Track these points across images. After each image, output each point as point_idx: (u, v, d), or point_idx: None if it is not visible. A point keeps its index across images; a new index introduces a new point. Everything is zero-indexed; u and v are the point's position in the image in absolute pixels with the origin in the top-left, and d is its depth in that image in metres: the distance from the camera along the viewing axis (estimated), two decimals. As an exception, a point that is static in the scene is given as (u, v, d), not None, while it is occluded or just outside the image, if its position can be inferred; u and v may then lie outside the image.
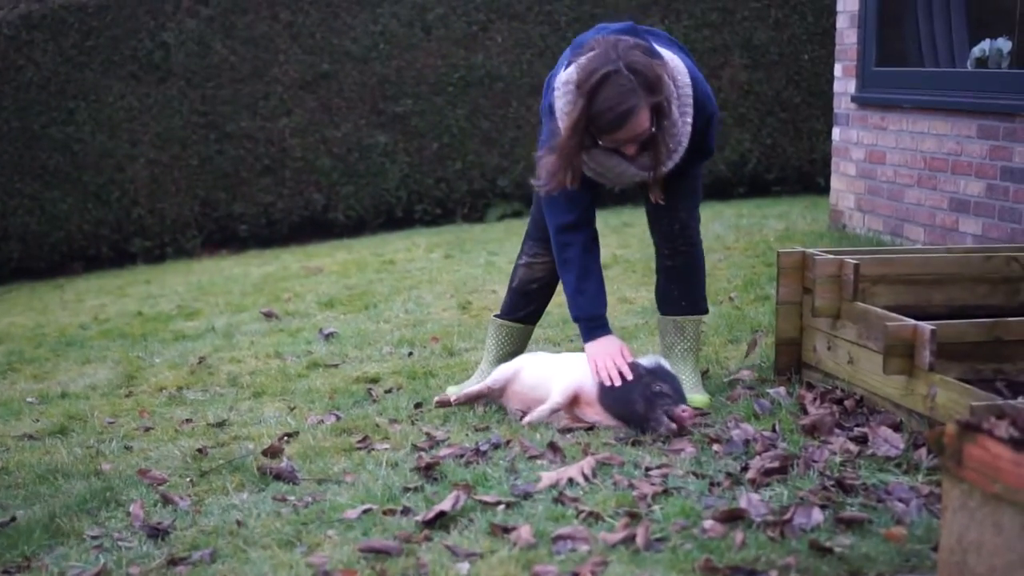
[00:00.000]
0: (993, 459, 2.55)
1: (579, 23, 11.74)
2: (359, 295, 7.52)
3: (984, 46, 7.11)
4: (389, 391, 5.15)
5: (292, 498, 3.73)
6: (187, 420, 4.99)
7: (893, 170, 7.54)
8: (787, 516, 3.22)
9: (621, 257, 7.72)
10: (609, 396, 4.27)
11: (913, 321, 3.99)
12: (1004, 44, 6.99)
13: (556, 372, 4.47)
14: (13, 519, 3.88)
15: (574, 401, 4.37)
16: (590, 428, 4.25)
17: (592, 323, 4.45)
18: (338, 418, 4.71)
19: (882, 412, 4.14)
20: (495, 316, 5.00)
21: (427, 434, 4.31)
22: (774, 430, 4.03)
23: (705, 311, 4.76)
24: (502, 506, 3.44)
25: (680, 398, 4.18)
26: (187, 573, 3.29)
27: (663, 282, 4.72)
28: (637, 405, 4.17)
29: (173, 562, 3.35)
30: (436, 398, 4.76)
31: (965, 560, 2.61)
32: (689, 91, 4.23)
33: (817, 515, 3.24)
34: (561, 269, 4.50)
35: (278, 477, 3.94)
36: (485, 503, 3.46)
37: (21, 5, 10.94)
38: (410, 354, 5.84)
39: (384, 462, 3.98)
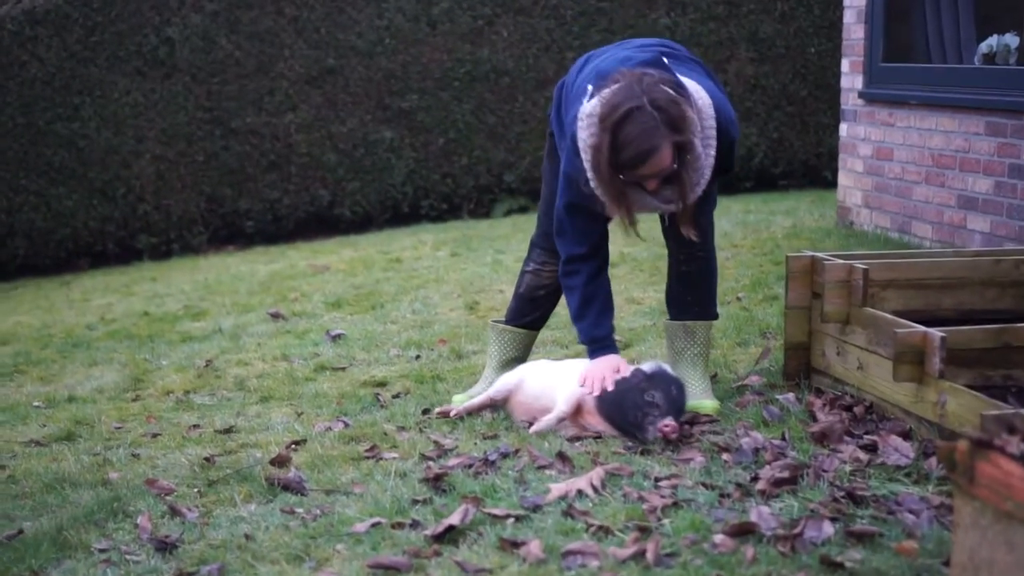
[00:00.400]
0: (1005, 477, 2.53)
1: (585, 17, 11.73)
2: (366, 295, 7.50)
3: (992, 42, 7.08)
4: (397, 396, 5.14)
5: (300, 510, 3.71)
6: (194, 426, 4.98)
7: (901, 167, 7.52)
8: (798, 530, 3.20)
9: (628, 255, 7.69)
10: (605, 404, 4.26)
11: (923, 328, 3.97)
12: (1012, 40, 6.97)
13: (560, 381, 4.45)
14: (20, 532, 3.87)
15: (578, 410, 4.36)
16: (598, 437, 4.23)
17: (595, 344, 4.48)
18: (346, 425, 4.70)
19: (892, 419, 4.12)
20: (497, 322, 4.99)
21: (435, 442, 4.29)
22: (783, 438, 4.01)
23: (716, 316, 4.74)
24: (511, 519, 3.43)
25: (672, 407, 4.13)
26: (196, 588, 3.29)
27: (675, 286, 4.69)
28: (628, 414, 4.16)
29: (182, 577, 3.35)
30: (438, 410, 4.74)
31: (977, 579, 2.60)
32: (713, 123, 4.20)
33: (828, 528, 3.22)
34: (567, 292, 4.53)
35: (286, 488, 3.92)
36: (495, 516, 3.44)
37: (25, 0, 10.93)
38: (417, 357, 5.83)
39: (393, 472, 3.96)
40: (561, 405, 4.36)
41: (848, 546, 3.16)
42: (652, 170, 4.09)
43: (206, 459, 4.37)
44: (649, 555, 3.11)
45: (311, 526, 3.57)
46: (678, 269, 4.67)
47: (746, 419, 4.27)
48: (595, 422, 4.30)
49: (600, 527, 3.33)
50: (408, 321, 6.68)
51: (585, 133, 4.14)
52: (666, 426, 4.05)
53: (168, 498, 3.99)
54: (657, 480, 3.70)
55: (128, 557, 3.54)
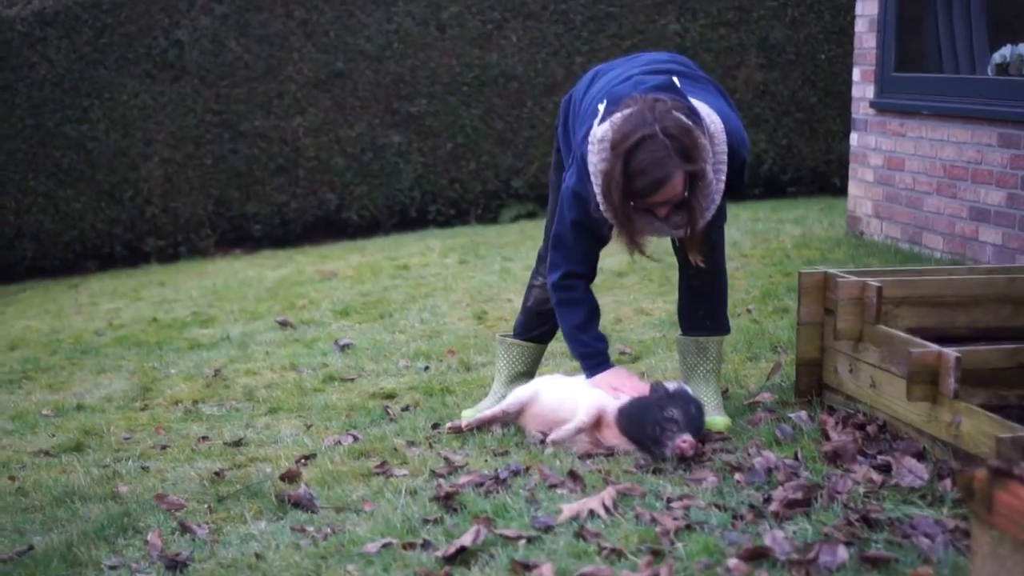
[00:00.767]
0: (1025, 506, 2.51)
1: (594, 22, 11.70)
2: (374, 303, 7.48)
3: (1005, 52, 7.06)
4: (406, 409, 5.13)
5: (311, 528, 3.69)
6: (203, 438, 4.96)
7: (912, 177, 7.49)
8: (812, 555, 3.17)
9: (638, 265, 7.65)
10: (625, 418, 4.25)
11: (937, 347, 3.94)
12: (1025, 50, 6.95)
13: (580, 392, 4.44)
14: (31, 548, 3.85)
15: (596, 423, 4.33)
16: (610, 454, 4.21)
17: (598, 358, 4.49)
18: (355, 439, 4.68)
19: (905, 439, 4.09)
20: (505, 336, 4.97)
21: (446, 459, 4.27)
22: (796, 458, 3.99)
23: (727, 330, 4.72)
24: (523, 541, 3.40)
25: (690, 425, 4.12)
26: (206, 608, 3.27)
27: (687, 301, 4.67)
28: (647, 428, 4.15)
29: (192, 596, 3.34)
30: (448, 425, 4.72)
31: (996, 611, 2.57)
32: (724, 147, 4.18)
33: (842, 553, 3.19)
34: (566, 305, 4.49)
35: (296, 505, 3.91)
36: (506, 537, 3.42)
37: (35, 2, 10.94)
38: (426, 368, 5.82)
39: (403, 490, 3.94)
40: (582, 415, 4.33)
41: (863, 572, 3.13)
42: (663, 198, 4.08)
43: (216, 473, 4.36)
44: (663, 580, 3.09)
45: (322, 545, 3.55)
46: (688, 284, 4.65)
47: (758, 437, 4.25)
48: (612, 436, 4.28)
49: (613, 550, 3.30)
50: (416, 331, 6.66)
51: (596, 158, 4.12)
52: (684, 442, 4.03)
53: (178, 514, 3.98)
54: (669, 501, 3.68)
55: (138, 575, 3.52)
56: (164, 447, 4.89)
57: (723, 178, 4.22)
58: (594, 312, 4.50)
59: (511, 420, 4.62)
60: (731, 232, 8.76)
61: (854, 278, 4.44)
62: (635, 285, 7.23)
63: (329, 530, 3.67)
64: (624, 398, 4.30)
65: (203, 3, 11.18)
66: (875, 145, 7.91)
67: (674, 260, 4.68)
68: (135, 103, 11.14)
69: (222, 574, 3.43)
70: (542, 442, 4.37)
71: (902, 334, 4.15)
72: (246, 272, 9.68)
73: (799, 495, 3.63)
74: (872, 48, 7.90)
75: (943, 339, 4.23)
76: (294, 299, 7.96)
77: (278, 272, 9.40)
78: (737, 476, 3.88)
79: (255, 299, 8.17)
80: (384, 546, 3.46)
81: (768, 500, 3.63)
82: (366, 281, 8.41)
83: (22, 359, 7.04)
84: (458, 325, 6.72)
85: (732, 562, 3.17)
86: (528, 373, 4.92)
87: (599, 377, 4.46)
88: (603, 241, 4.42)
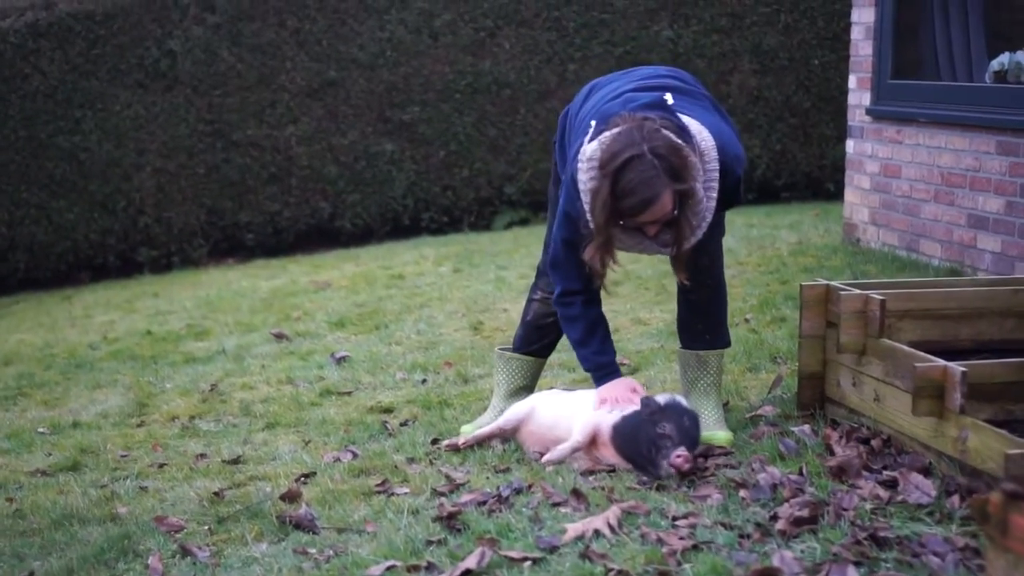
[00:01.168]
0: (1040, 530, 2.49)
1: (587, 29, 11.67)
2: (369, 314, 7.45)
3: (1003, 59, 7.03)
4: (404, 424, 5.09)
5: (313, 551, 3.65)
6: (201, 455, 4.92)
7: (909, 184, 7.46)
8: (822, 575, 3.14)
9: (633, 273, 7.64)
10: (619, 436, 4.21)
11: (943, 362, 3.91)
12: (1023, 57, 6.92)
13: (575, 410, 4.40)
14: (31, 574, 3.81)
15: (593, 441, 4.30)
16: (612, 470, 4.18)
17: (602, 370, 4.46)
18: (355, 456, 4.65)
19: (910, 453, 4.06)
20: (504, 349, 4.94)
21: (447, 476, 4.24)
22: (801, 473, 3.96)
23: (728, 343, 4.69)
24: (528, 563, 3.36)
25: (685, 439, 4.08)
26: (208, 634, 3.23)
27: (685, 315, 4.65)
28: (640, 448, 4.11)
29: (193, 622, 3.30)
30: (446, 442, 4.68)
31: (1011, 635, 2.55)
32: (716, 166, 4.16)
33: (852, 573, 3.16)
34: (567, 321, 4.50)
35: (297, 526, 3.87)
36: (511, 559, 3.38)
37: (28, 14, 10.89)
38: (423, 381, 5.78)
39: (405, 510, 3.90)
40: (577, 435, 4.30)
41: (873, 592, 3.11)
42: (652, 217, 4.07)
43: (215, 494, 4.32)
44: (671, 602, 3.06)
45: (324, 568, 3.51)
46: (687, 298, 4.62)
47: (761, 452, 4.21)
48: (609, 454, 4.25)
49: (619, 571, 3.26)
50: (412, 342, 6.62)
51: (585, 176, 4.11)
52: (678, 457, 4.00)
53: (178, 536, 3.94)
54: (674, 519, 3.64)
55: (139, 600, 3.49)
56: (162, 465, 4.85)
57: (714, 196, 4.20)
58: (594, 326, 4.47)
59: (508, 436, 4.59)
60: (726, 239, 8.62)
61: (857, 291, 4.41)
62: (630, 294, 7.19)
63: (331, 552, 3.63)
64: (618, 414, 4.26)
65: (195, 13, 11.14)
66: (871, 152, 7.88)
67: (669, 268, 4.65)
68: (127, 113, 11.09)
69: (224, 599, 3.40)
70: (541, 455, 4.34)
71: (906, 348, 4.12)
72: (240, 282, 9.64)
73: (805, 512, 3.60)
74: (868, 55, 7.87)
75: (946, 352, 4.21)
76: (289, 310, 7.92)
77: (272, 282, 9.35)
78: (742, 493, 3.85)
79: (249, 310, 8.12)
80: (388, 569, 3.42)
81: (774, 518, 3.59)
82: (360, 291, 8.37)
83: (16, 375, 6.99)
84: (454, 336, 6.68)
85: (741, 583, 3.14)
86: (528, 387, 4.89)
87: (605, 389, 4.43)
88: None
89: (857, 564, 3.22)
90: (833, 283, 4.57)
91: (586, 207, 4.15)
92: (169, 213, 11.34)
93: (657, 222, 4.11)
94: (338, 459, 4.62)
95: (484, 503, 3.90)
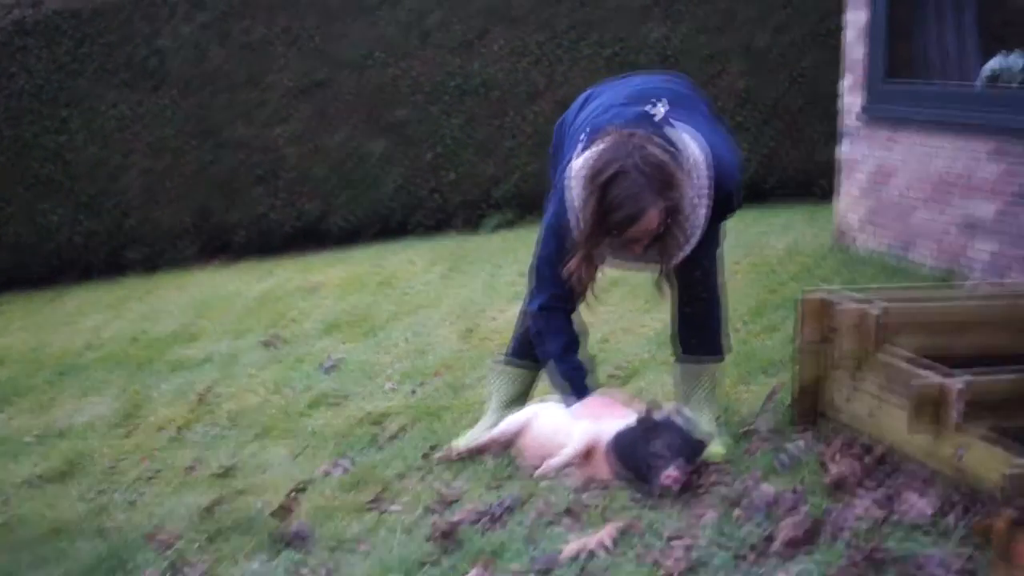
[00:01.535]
0: (1044, 558, 2.46)
1: (576, 30, 11.62)
2: (360, 319, 7.41)
3: (997, 62, 7.01)
4: (395, 436, 5.04)
5: (306, 570, 3.61)
6: (191, 466, 4.88)
7: (902, 188, 7.44)
8: (820, 599, 3.12)
9: (622, 280, 7.58)
10: (615, 454, 4.18)
11: (940, 377, 3.88)
12: (1017, 60, 6.90)
13: (573, 422, 4.36)
14: (19, 591, 3.78)
15: (588, 454, 4.26)
16: (606, 486, 4.14)
17: (575, 388, 4.40)
18: (346, 468, 4.60)
19: (907, 469, 4.03)
20: (498, 361, 4.91)
21: (440, 492, 4.19)
22: (796, 490, 3.92)
23: (723, 356, 4.66)
24: (525, 583, 3.34)
25: (679, 455, 4.04)
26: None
27: (681, 327, 4.61)
28: (636, 463, 4.08)
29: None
30: (438, 454, 4.64)
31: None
32: (706, 181, 4.12)
33: (850, 597, 3.14)
34: (547, 333, 4.44)
35: (290, 543, 3.83)
36: (507, 580, 3.35)
37: (15, 11, 10.81)
38: (414, 391, 5.74)
39: (399, 527, 3.86)
40: (572, 447, 4.26)
41: (872, 616, 3.08)
42: (639, 232, 4.04)
43: (206, 508, 4.27)
44: (668, 626, 3.03)
45: (318, 588, 3.48)
46: (682, 310, 4.60)
47: (756, 467, 4.17)
48: (603, 469, 4.21)
49: (616, 593, 3.24)
50: (403, 349, 6.58)
51: (574, 191, 4.08)
52: (668, 477, 3.96)
53: (169, 553, 3.89)
54: (670, 539, 3.60)
55: (130, 621, 3.45)
56: (152, 476, 4.81)
57: (703, 210, 4.16)
58: (572, 342, 4.43)
59: (504, 448, 4.55)
60: (718, 244, 8.70)
61: (855, 304, 4.37)
62: (621, 301, 7.15)
63: (325, 571, 3.59)
64: (615, 429, 4.22)
65: (184, 11, 11.07)
66: (864, 155, 7.86)
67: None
68: (114, 113, 11.03)
69: (216, 620, 3.36)
70: (537, 467, 4.30)
71: (903, 363, 4.09)
72: (228, 284, 9.59)
73: (801, 532, 3.56)
74: (861, 57, 7.85)
75: (943, 363, 4.18)
76: (278, 314, 7.87)
77: (261, 285, 9.30)
78: (737, 511, 3.81)
79: (239, 314, 8.08)
80: (382, 590, 3.39)
81: (770, 539, 3.55)
82: (351, 295, 8.32)
83: (4, 380, 6.95)
84: (445, 343, 6.64)
85: (739, 607, 3.11)
86: (522, 398, 4.85)
87: (579, 406, 4.38)
88: None
89: (856, 587, 3.20)
90: (830, 295, 4.53)
91: (573, 222, 4.12)
92: (156, 213, 11.27)
93: (644, 237, 4.08)
94: (330, 472, 4.58)
95: (478, 520, 3.86)
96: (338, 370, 6.23)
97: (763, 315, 6.44)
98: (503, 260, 9.14)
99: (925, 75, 7.56)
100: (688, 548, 3.53)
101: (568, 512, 3.84)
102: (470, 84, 11.60)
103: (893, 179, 7.52)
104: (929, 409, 3.85)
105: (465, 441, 4.70)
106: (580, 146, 4.18)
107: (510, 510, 3.94)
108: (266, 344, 6.98)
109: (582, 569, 3.40)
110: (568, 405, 4.41)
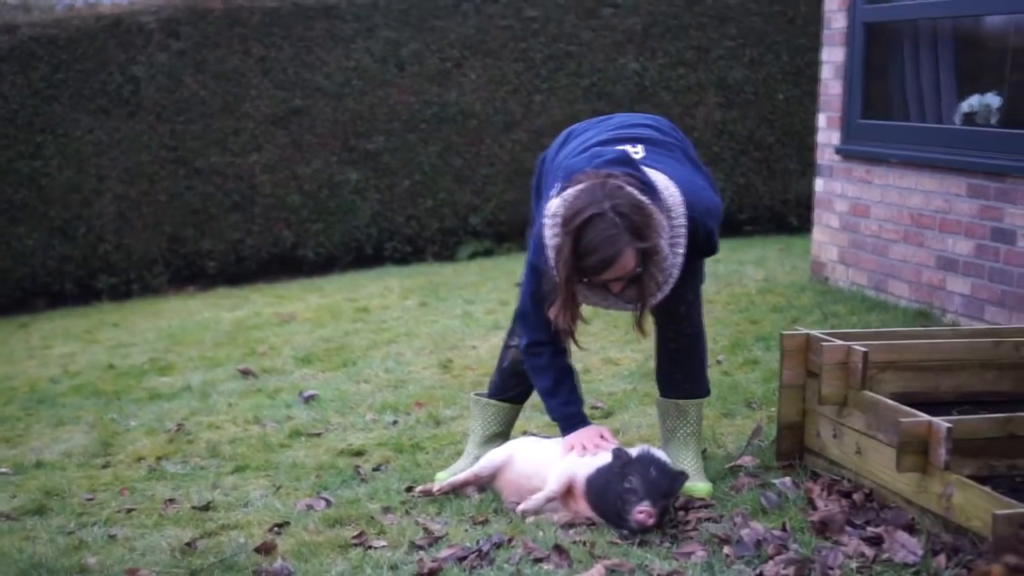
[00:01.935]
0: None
1: (553, 61, 11.65)
2: (336, 350, 7.37)
3: (973, 101, 7.05)
4: (377, 468, 5.01)
5: (291, 610, 3.58)
6: (170, 500, 4.83)
7: (878, 224, 7.46)
8: (812, 642, 3.10)
9: (602, 312, 7.57)
10: (591, 492, 4.16)
11: (927, 417, 3.87)
12: (994, 100, 6.93)
13: (552, 459, 4.35)
14: (-3, 629, 3.72)
15: (568, 492, 4.24)
16: (592, 523, 4.12)
17: (570, 420, 4.44)
18: (328, 503, 4.56)
19: (893, 508, 4.03)
20: (480, 395, 4.89)
21: (424, 528, 4.16)
22: (784, 528, 3.91)
23: (707, 392, 4.65)
24: (513, 624, 3.31)
25: (651, 492, 4.00)
26: None
27: (665, 363, 4.60)
28: (609, 503, 4.06)
29: None
30: (419, 488, 4.61)
31: None
32: (683, 222, 4.12)
33: (842, 639, 3.12)
34: (535, 371, 4.48)
35: (273, 582, 3.79)
36: (495, 621, 3.32)
37: (-11, 38, 10.76)
38: (394, 423, 5.71)
39: (384, 565, 3.83)
40: (552, 484, 4.25)
41: (864, 659, 3.06)
42: (615, 275, 4.04)
43: (187, 544, 4.22)
44: (661, 669, 3.00)
45: (303, 628, 3.44)
46: (666, 347, 4.59)
47: (743, 505, 4.17)
48: (584, 507, 4.19)
49: (606, 635, 3.21)
50: (381, 380, 6.54)
51: (549, 232, 4.07)
52: (640, 513, 3.94)
53: (149, 591, 3.85)
54: (659, 578, 3.59)
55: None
56: (130, 510, 4.75)
57: (681, 252, 4.16)
58: (563, 376, 4.47)
59: (484, 484, 4.52)
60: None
61: (839, 342, 4.37)
62: (601, 332, 7.14)
63: (310, 611, 3.55)
64: (593, 466, 4.21)
65: (159, 39, 11.03)
66: (840, 191, 7.88)
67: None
68: (89, 139, 10.98)
69: (200, 661, 3.31)
70: (517, 504, 4.28)
71: (890, 402, 4.09)
72: (202, 313, 9.53)
73: (791, 571, 3.56)
74: (838, 94, 7.88)
75: (928, 404, 4.18)
76: (254, 344, 7.82)
77: (235, 313, 9.25)
78: (726, 549, 3.80)
79: (213, 344, 8.02)
80: (369, 631, 3.35)
81: (760, 578, 3.55)
82: (326, 325, 8.28)
83: (-25, 409, 6.87)
84: (423, 374, 6.61)
85: (731, 649, 3.09)
86: (503, 434, 4.83)
87: (570, 438, 4.40)
88: None
89: (847, 629, 3.18)
90: (814, 332, 4.53)
91: (550, 263, 4.11)
92: (129, 240, 11.22)
93: (621, 279, 4.07)
94: (311, 507, 4.54)
95: (464, 558, 3.83)
96: (316, 401, 6.19)
97: (743, 348, 6.44)
98: (480, 290, 9.12)
99: (901, 114, 7.58)
100: (677, 588, 3.51)
101: (556, 549, 3.81)
102: (447, 113, 11.60)
103: (870, 215, 7.54)
104: (916, 448, 3.85)
105: (445, 476, 4.68)
106: (556, 188, 4.17)
107: (497, 547, 3.91)
108: (243, 374, 6.93)
109: (571, 610, 3.37)
110: (563, 436, 4.41)
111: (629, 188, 4.00)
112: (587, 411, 5.47)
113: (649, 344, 4.68)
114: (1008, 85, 6.89)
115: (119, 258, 11.22)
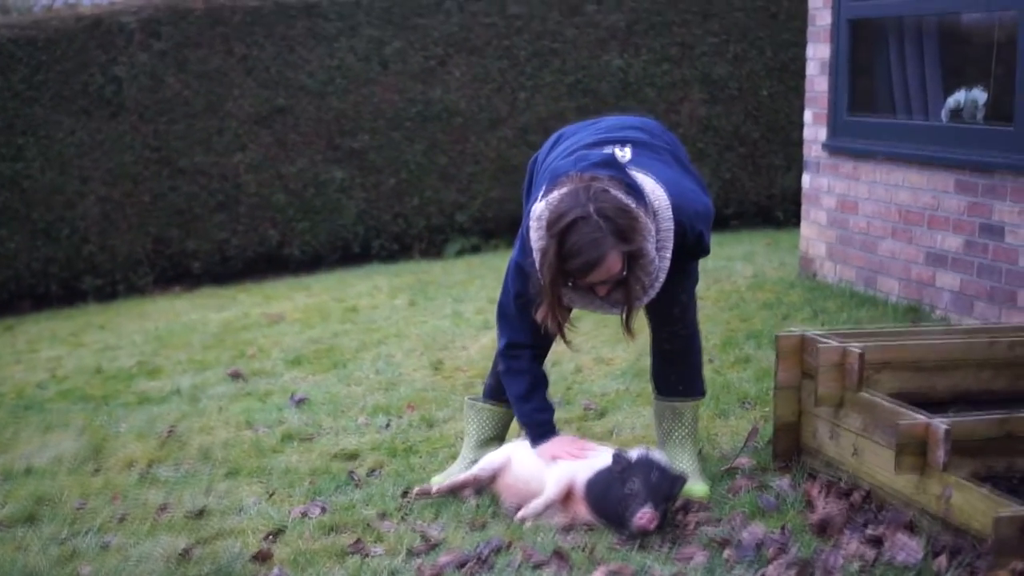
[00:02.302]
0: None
1: (538, 58, 11.63)
2: (326, 351, 7.34)
3: (959, 96, 7.05)
4: (371, 473, 4.99)
5: (290, 619, 3.56)
6: (163, 507, 4.79)
7: (866, 220, 7.46)
8: (817, 647, 3.09)
9: (591, 310, 7.56)
10: (591, 496, 4.15)
11: (926, 418, 3.87)
12: (980, 95, 6.93)
13: (551, 463, 4.33)
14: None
15: (567, 496, 4.23)
16: (591, 527, 4.10)
17: (542, 428, 4.43)
18: (323, 509, 4.53)
19: (891, 509, 4.02)
20: (475, 399, 4.87)
21: (422, 534, 4.14)
22: (783, 531, 3.90)
23: (703, 393, 4.65)
24: (515, 632, 3.29)
25: (652, 495, 3.99)
26: None
27: (659, 365, 4.60)
28: (610, 507, 4.05)
29: None
30: (416, 489, 4.59)
31: None
32: (670, 224, 4.10)
33: (846, 643, 3.11)
34: (510, 374, 4.46)
35: (271, 590, 3.77)
36: (498, 628, 3.30)
37: (-32, 39, 10.68)
38: (387, 425, 5.68)
39: (383, 573, 3.81)
40: (550, 489, 4.23)
41: (869, 664, 3.05)
42: (599, 278, 4.02)
43: (182, 553, 4.19)
44: (666, 677, 2.99)
45: (303, 638, 3.41)
46: (660, 348, 4.58)
47: (741, 507, 4.16)
48: (583, 511, 4.18)
49: (610, 642, 3.20)
50: (372, 382, 6.51)
51: (535, 235, 4.06)
52: (641, 517, 3.93)
53: (146, 601, 3.82)
54: (660, 582, 3.58)
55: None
56: (123, 518, 4.71)
57: (667, 255, 4.14)
58: (538, 383, 4.46)
59: (483, 486, 4.50)
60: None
61: (835, 343, 4.36)
62: (591, 331, 7.12)
63: (309, 621, 3.53)
64: (591, 471, 4.19)
65: (141, 39, 10.97)
66: (828, 187, 7.88)
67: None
68: (71, 140, 10.91)
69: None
70: (517, 509, 4.26)
71: (887, 403, 4.08)
72: (189, 314, 9.48)
73: (792, 574, 3.55)
74: (824, 91, 7.88)
75: (924, 403, 4.18)
76: (243, 346, 7.78)
77: (222, 314, 9.20)
78: (726, 552, 3.79)
79: (202, 346, 7.98)
80: (370, 640, 3.33)
81: (761, 581, 3.54)
82: (315, 325, 8.25)
83: (-38, 415, 6.82)
84: (415, 376, 6.58)
85: (735, 656, 3.08)
86: (498, 437, 4.81)
87: (542, 448, 4.39)
88: None
89: (851, 633, 3.18)
90: (809, 333, 4.53)
91: (536, 265, 4.09)
92: (114, 241, 11.15)
93: (607, 282, 4.06)
94: (306, 514, 4.50)
95: (463, 564, 3.81)
96: (307, 404, 6.16)
97: (735, 346, 6.43)
98: (469, 288, 9.10)
99: (888, 110, 7.59)
100: (679, 593, 3.50)
101: (556, 554, 3.80)
102: (432, 111, 11.57)
103: (858, 211, 7.54)
104: (915, 449, 3.84)
105: (443, 478, 4.66)
106: (542, 191, 4.16)
107: (496, 552, 3.90)
108: (233, 377, 6.90)
109: (573, 616, 3.36)
110: (533, 446, 4.40)
111: (614, 191, 3.99)
112: (579, 413, 5.53)
113: (641, 341, 4.66)
114: (993, 80, 6.89)
115: (104, 259, 11.16)
